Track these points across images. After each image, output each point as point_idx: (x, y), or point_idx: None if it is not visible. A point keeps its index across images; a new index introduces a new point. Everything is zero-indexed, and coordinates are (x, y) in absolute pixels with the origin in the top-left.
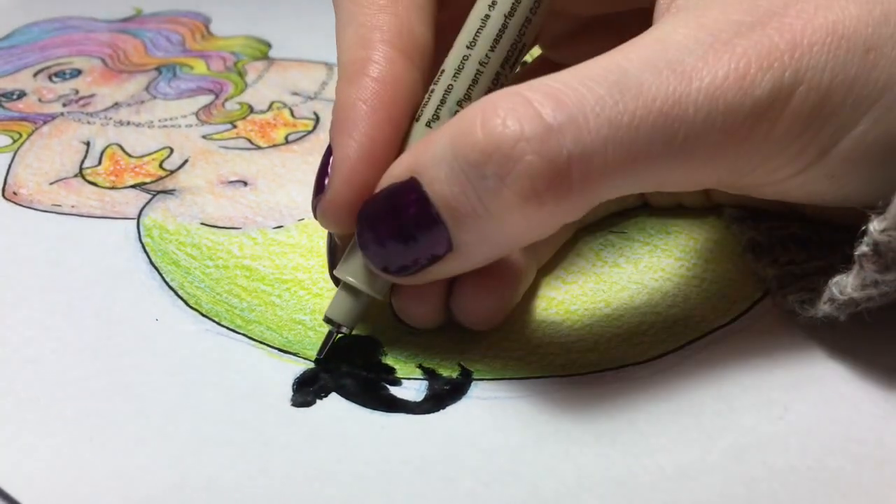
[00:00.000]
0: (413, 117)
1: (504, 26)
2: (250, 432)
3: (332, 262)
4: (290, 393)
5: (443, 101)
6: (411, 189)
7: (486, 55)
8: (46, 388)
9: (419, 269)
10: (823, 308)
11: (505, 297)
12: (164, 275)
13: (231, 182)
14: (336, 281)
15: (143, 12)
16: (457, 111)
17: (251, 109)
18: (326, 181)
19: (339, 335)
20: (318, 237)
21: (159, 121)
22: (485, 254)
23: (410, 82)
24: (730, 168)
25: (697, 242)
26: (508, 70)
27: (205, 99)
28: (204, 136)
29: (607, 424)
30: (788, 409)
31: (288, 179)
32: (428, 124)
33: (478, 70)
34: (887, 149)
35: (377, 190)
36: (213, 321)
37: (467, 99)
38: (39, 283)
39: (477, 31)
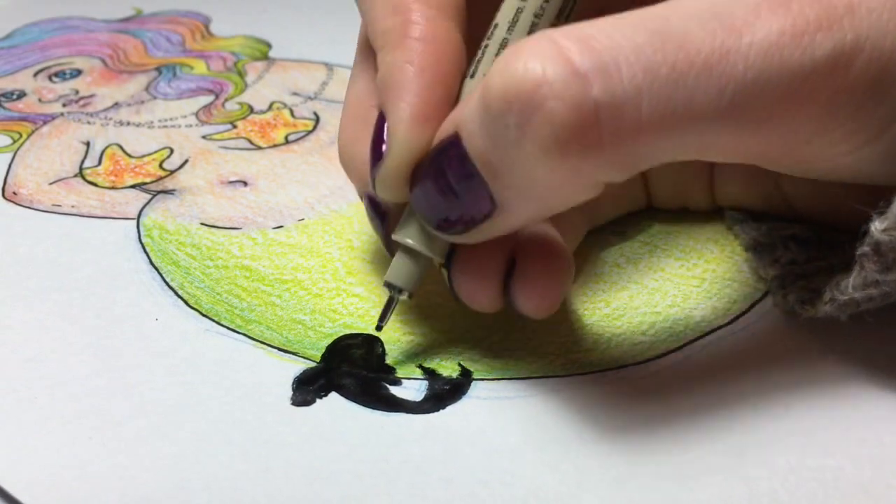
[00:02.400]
0: (462, 74)
1: None
2: (250, 432)
3: (385, 231)
4: (289, 392)
5: (498, 56)
6: (453, 145)
7: (541, 6)
8: (46, 388)
9: (471, 227)
10: (824, 308)
11: (561, 284)
12: (164, 275)
13: (231, 182)
14: (390, 250)
15: (143, 12)
16: None
17: (251, 109)
18: (384, 148)
19: (400, 300)
20: (317, 237)
21: (159, 121)
22: (530, 211)
23: (453, 38)
24: (782, 138)
25: (697, 242)
26: (562, 23)
27: (205, 99)
28: (204, 137)
29: (607, 424)
30: (788, 409)
31: (288, 179)
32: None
33: (533, 22)
34: None
35: (431, 148)
36: (213, 321)
37: None
38: (39, 283)
39: None
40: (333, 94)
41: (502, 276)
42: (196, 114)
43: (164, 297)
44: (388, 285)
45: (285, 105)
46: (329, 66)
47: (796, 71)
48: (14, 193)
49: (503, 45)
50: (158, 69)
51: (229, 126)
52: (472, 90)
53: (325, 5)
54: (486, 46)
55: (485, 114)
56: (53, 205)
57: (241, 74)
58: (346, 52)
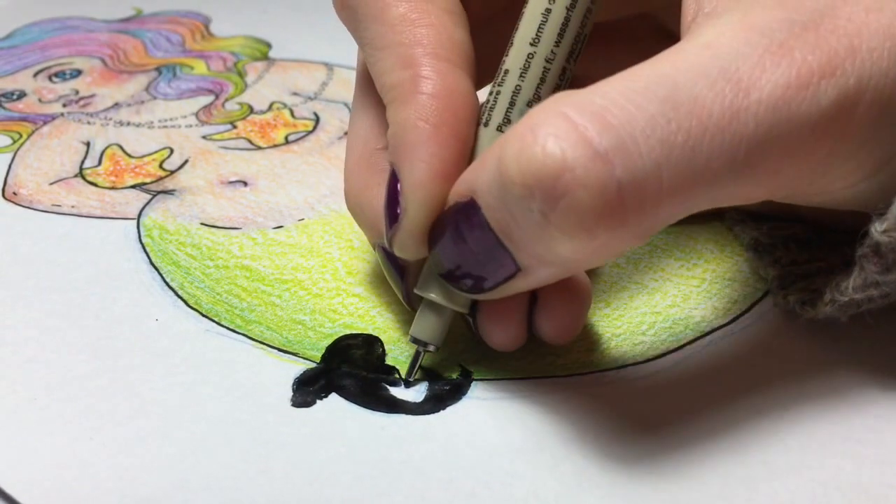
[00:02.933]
0: (477, 124)
1: (567, 19)
2: (250, 432)
3: (406, 287)
4: (289, 393)
5: (512, 104)
6: (472, 211)
7: (552, 51)
8: (46, 388)
9: (493, 288)
10: (825, 310)
11: (583, 312)
12: (164, 275)
13: (231, 182)
14: (411, 304)
15: (143, 12)
16: (522, 111)
17: (251, 110)
18: (399, 210)
19: (427, 353)
20: (317, 237)
21: (159, 121)
22: (553, 274)
23: (466, 91)
24: (792, 182)
25: (697, 242)
26: (573, 64)
27: (205, 99)
28: (204, 137)
29: (607, 424)
30: (788, 409)
31: (288, 180)
32: (499, 129)
33: (545, 68)
34: None
35: (446, 207)
36: (213, 321)
37: (537, 99)
38: (39, 283)
39: (539, 27)
40: (333, 95)
41: (527, 314)
42: (196, 114)
43: (164, 297)
44: (415, 340)
45: (285, 105)
46: (329, 66)
47: (804, 121)
48: (14, 193)
49: (517, 91)
50: (158, 69)
51: (229, 126)
52: (487, 141)
53: (325, 5)
54: (497, 94)
55: (504, 192)
56: (53, 205)
57: (241, 74)
58: (346, 52)
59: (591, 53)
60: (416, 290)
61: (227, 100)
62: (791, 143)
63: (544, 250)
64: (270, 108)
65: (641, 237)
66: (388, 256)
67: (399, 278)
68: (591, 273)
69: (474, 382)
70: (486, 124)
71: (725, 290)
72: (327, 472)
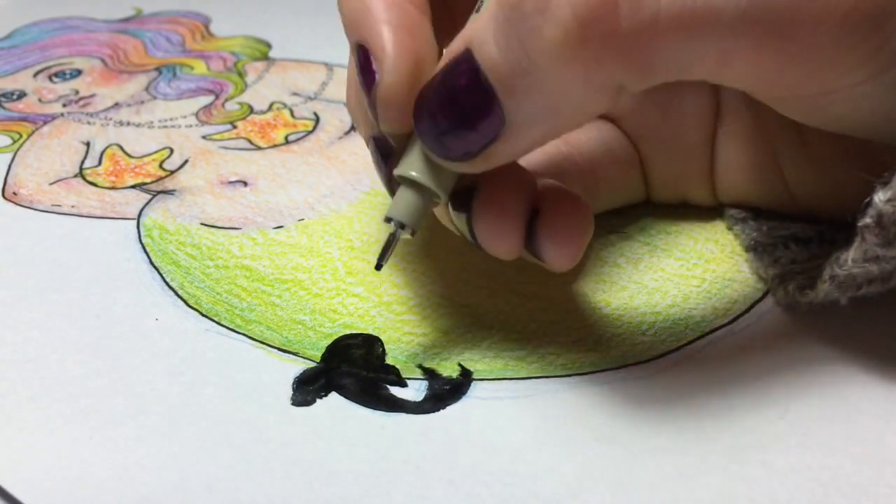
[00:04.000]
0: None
1: None
2: (250, 432)
3: (388, 171)
4: (290, 392)
5: None
6: (464, 60)
7: None
8: (46, 388)
9: (479, 152)
10: (823, 288)
11: (585, 234)
12: (164, 275)
13: (231, 182)
14: (392, 189)
15: (143, 12)
16: None
17: (251, 110)
18: (374, 71)
19: (403, 237)
20: (317, 237)
21: (159, 121)
22: (539, 129)
23: None
24: (799, 56)
25: (697, 242)
26: None
27: (205, 99)
28: (204, 137)
29: (607, 424)
30: (788, 409)
31: (288, 180)
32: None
33: None
34: None
35: (438, 70)
36: (213, 321)
37: None
38: (39, 283)
39: None
40: (333, 95)
41: (525, 220)
42: (196, 114)
43: (164, 297)
44: (390, 220)
45: (285, 105)
46: (329, 67)
47: None
48: (14, 193)
49: None
50: (158, 69)
51: (229, 126)
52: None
53: (325, 5)
54: None
55: (501, 12)
56: (53, 205)
57: (241, 75)
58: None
59: None
60: (395, 171)
61: (227, 100)
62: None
63: (534, 74)
64: (270, 108)
65: (637, 70)
66: (378, 145)
67: (383, 164)
68: (591, 273)
69: (474, 382)
70: (477, 10)
71: (725, 290)
72: (327, 472)
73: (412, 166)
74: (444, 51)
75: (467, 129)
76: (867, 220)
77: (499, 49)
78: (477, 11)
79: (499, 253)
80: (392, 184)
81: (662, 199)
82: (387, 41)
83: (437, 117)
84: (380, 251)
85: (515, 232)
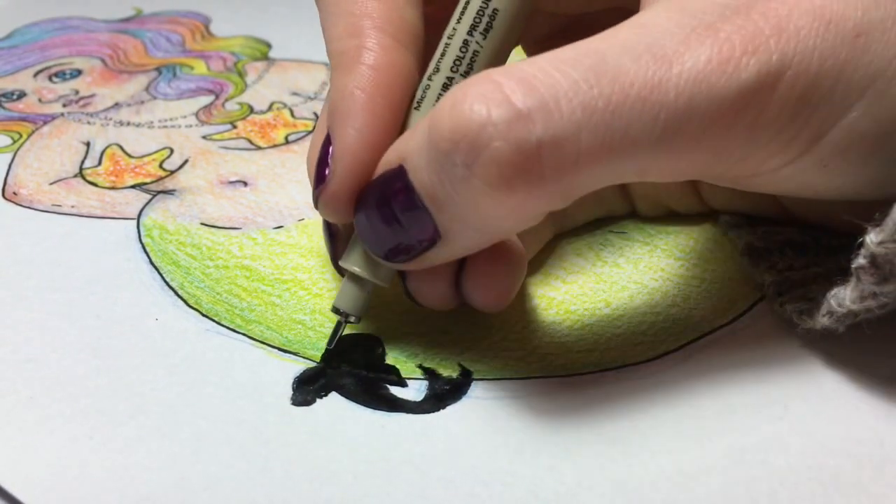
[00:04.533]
0: (411, 104)
1: (496, 13)
2: (250, 431)
3: (334, 252)
4: (290, 392)
5: (445, 91)
6: (399, 176)
7: (479, 44)
8: (46, 388)
9: (414, 256)
10: (822, 321)
11: (512, 278)
12: (164, 275)
13: (231, 182)
14: (341, 271)
15: (143, 12)
16: None
17: (251, 110)
18: (327, 171)
19: (348, 324)
20: (318, 237)
21: (159, 121)
22: (473, 240)
23: (406, 68)
24: (716, 157)
25: (697, 243)
26: (501, 62)
27: (205, 99)
28: (204, 137)
29: (607, 424)
30: (788, 409)
31: (288, 179)
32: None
33: (472, 58)
34: (880, 137)
35: (374, 177)
36: (213, 321)
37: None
38: (39, 283)
39: (475, 19)
40: None
41: (454, 274)
42: (196, 114)
43: (164, 297)
44: (336, 311)
45: (285, 105)
46: (329, 67)
47: (724, 95)
48: (14, 193)
49: (448, 83)
50: (158, 69)
51: (229, 126)
52: (418, 122)
53: None
54: (430, 81)
55: (432, 151)
56: (53, 205)
57: (241, 75)
58: None
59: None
60: (340, 262)
61: (227, 100)
62: (710, 114)
63: (465, 208)
64: (270, 108)
65: (561, 199)
66: (325, 222)
67: (330, 244)
68: (591, 273)
69: (474, 382)
70: (416, 108)
71: (725, 290)
72: (327, 471)
73: (355, 261)
74: (381, 160)
75: (403, 237)
76: (861, 261)
77: (431, 178)
78: (416, 107)
79: (432, 306)
80: (336, 262)
81: (646, 213)
82: (349, 148)
83: (375, 223)
84: (329, 337)
85: (445, 286)
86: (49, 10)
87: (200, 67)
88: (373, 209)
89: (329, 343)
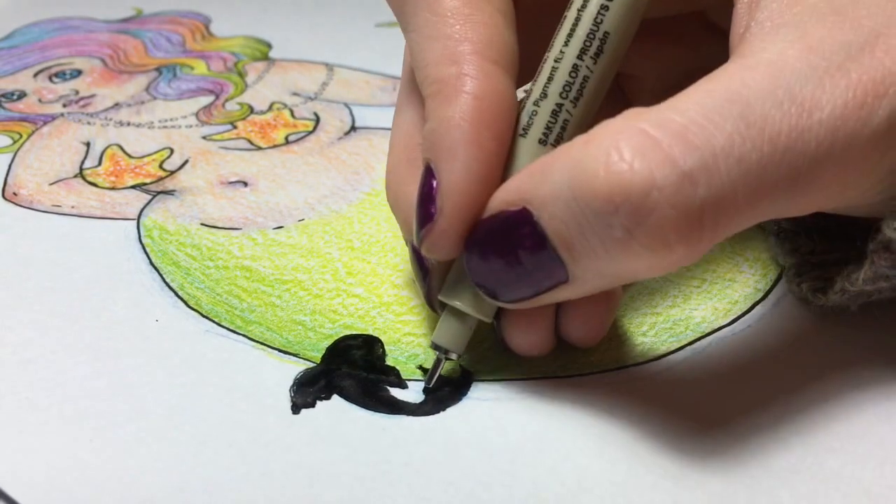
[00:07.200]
0: (516, 130)
1: (607, 36)
2: (250, 433)
3: (428, 287)
4: (290, 394)
5: (554, 117)
6: (525, 221)
7: (589, 69)
8: (46, 389)
9: (533, 296)
10: (834, 297)
11: (612, 312)
12: (164, 275)
13: (231, 183)
14: (433, 306)
15: (143, 12)
16: (564, 125)
17: (251, 110)
18: (434, 209)
19: (448, 361)
20: (318, 237)
21: (159, 121)
22: (603, 285)
23: (508, 94)
24: (838, 196)
25: None
26: (611, 84)
27: (205, 99)
28: (204, 137)
29: (607, 424)
30: (788, 408)
31: (288, 180)
32: (541, 142)
33: (582, 84)
34: None
35: (486, 213)
36: (213, 322)
37: (576, 114)
38: (39, 283)
39: (585, 42)
40: (333, 95)
41: (553, 321)
42: (196, 114)
43: (163, 298)
44: (436, 347)
45: (285, 105)
46: (329, 67)
47: (856, 141)
48: (14, 194)
49: (558, 109)
50: (158, 69)
51: (229, 126)
52: (532, 152)
53: (325, 5)
54: (536, 107)
55: (576, 204)
56: (53, 205)
57: (242, 75)
58: (346, 52)
59: (638, 51)
60: (440, 296)
61: (227, 100)
62: (846, 158)
63: (610, 263)
64: (270, 108)
65: (705, 251)
66: (417, 255)
67: (422, 278)
68: None
69: (474, 382)
70: (523, 135)
71: (725, 291)
72: (327, 474)
73: (458, 295)
74: (495, 195)
75: (525, 280)
76: (877, 245)
77: (570, 230)
78: (523, 134)
79: (529, 354)
80: (431, 298)
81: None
82: (459, 184)
83: (492, 264)
84: (428, 374)
85: (545, 335)
86: (49, 10)
87: (201, 67)
88: (491, 250)
89: (427, 381)
